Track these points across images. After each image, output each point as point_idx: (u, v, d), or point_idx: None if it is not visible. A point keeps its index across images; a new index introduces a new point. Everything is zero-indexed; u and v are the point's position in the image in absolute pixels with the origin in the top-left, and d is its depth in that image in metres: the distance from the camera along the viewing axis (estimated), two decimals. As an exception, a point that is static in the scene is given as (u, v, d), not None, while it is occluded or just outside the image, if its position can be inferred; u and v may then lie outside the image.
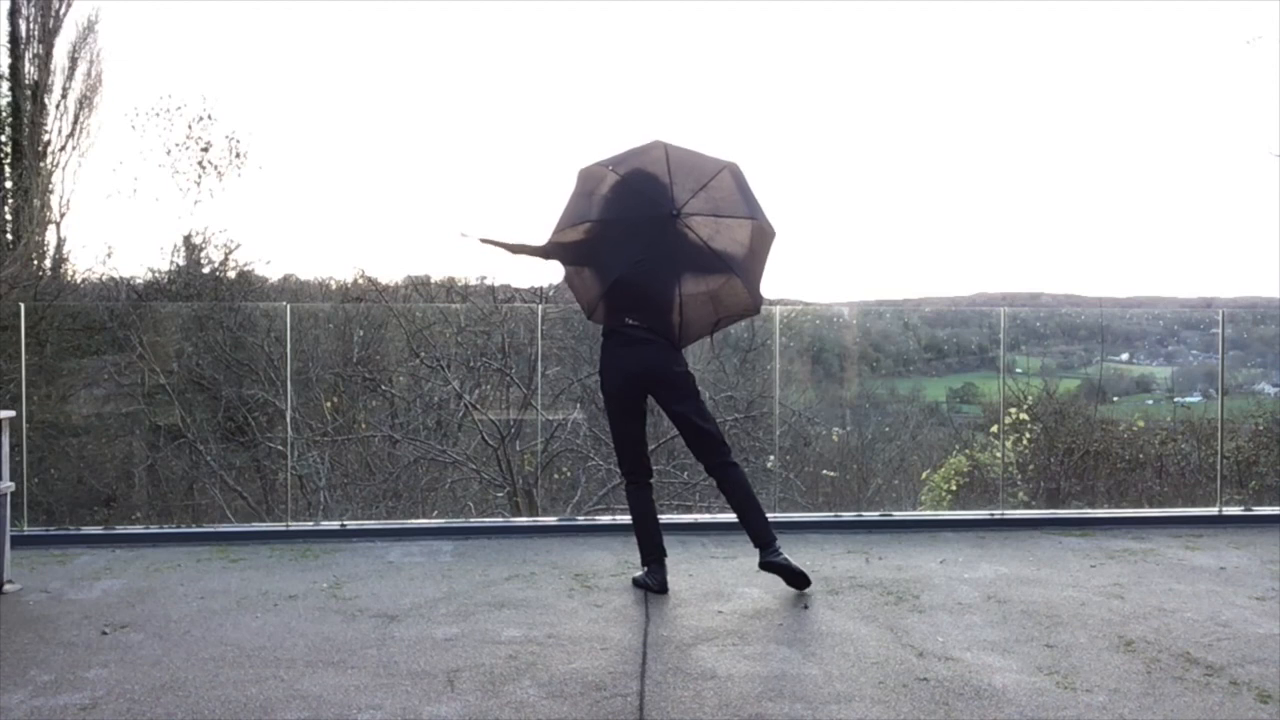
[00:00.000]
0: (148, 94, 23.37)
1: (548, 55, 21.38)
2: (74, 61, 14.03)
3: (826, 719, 2.76)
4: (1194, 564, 4.56)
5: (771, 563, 3.99)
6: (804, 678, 3.07)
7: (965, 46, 22.96)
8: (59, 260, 13.30)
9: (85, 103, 14.04)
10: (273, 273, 13.26)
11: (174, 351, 8.14)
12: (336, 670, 3.14)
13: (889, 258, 18.61)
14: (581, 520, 5.64)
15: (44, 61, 13.77)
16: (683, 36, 21.88)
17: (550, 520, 5.67)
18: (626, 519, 4.72)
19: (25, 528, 5.35)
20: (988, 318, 7.78)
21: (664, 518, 4.28)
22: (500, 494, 7.39)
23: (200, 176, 13.42)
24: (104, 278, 12.24)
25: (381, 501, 7.62)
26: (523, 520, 5.97)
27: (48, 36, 13.90)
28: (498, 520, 5.93)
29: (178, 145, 13.38)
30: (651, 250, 3.94)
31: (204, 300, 11.01)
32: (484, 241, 4.15)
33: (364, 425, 8.27)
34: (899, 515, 5.79)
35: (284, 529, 5.28)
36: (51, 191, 13.43)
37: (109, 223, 21.32)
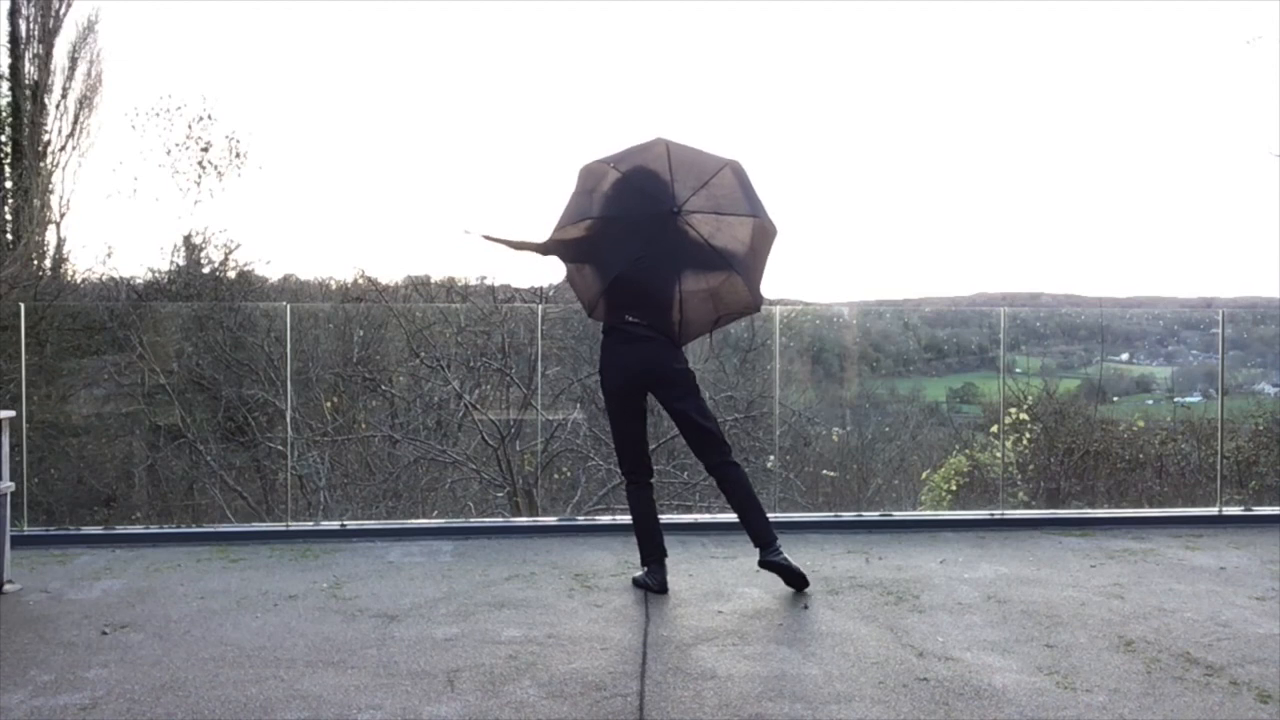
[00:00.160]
0: (148, 94, 23.37)
1: (548, 54, 21.39)
2: (74, 61, 14.04)
3: (826, 719, 2.76)
4: (1194, 564, 4.56)
5: (771, 562, 3.99)
6: (804, 678, 3.07)
7: (965, 46, 22.96)
8: (59, 260, 13.30)
9: (85, 103, 14.05)
10: (273, 273, 13.29)
11: (174, 351, 8.14)
12: (336, 670, 3.14)
13: (889, 258, 18.62)
14: (581, 520, 5.64)
15: (44, 61, 13.77)
16: (683, 35, 21.89)
17: (550, 520, 5.67)
18: (626, 519, 4.72)
19: (25, 528, 5.35)
20: (988, 318, 7.78)
21: (664, 518, 4.27)
22: (500, 494, 7.39)
23: (200, 176, 13.44)
24: (104, 278, 12.26)
25: (381, 501, 7.62)
26: (523, 520, 5.97)
27: (48, 36, 13.90)
28: (498, 520, 5.93)
29: (178, 145, 13.40)
30: (652, 247, 3.94)
31: (204, 300, 11.02)
32: (486, 239, 4.16)
33: (364, 425, 8.27)
34: (899, 515, 5.79)
35: (284, 529, 5.28)
36: (51, 191, 13.44)
37: (109, 223, 21.35)
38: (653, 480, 4.23)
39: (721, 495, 4.21)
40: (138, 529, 5.60)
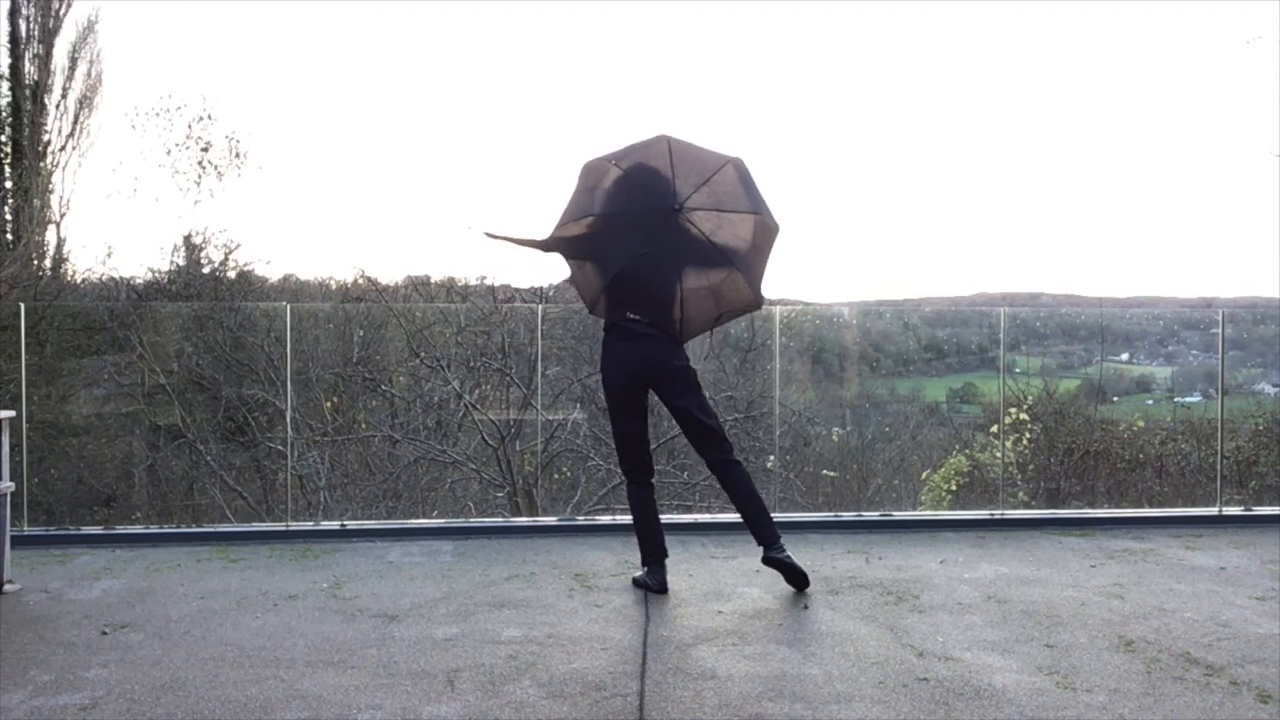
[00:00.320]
0: (148, 94, 23.38)
1: (548, 53, 21.39)
2: (74, 61, 14.04)
3: (826, 719, 2.76)
4: (1194, 564, 4.56)
5: (774, 559, 3.99)
6: (804, 678, 3.07)
7: (965, 46, 22.96)
8: (59, 260, 13.30)
9: (85, 103, 14.05)
10: (273, 273, 13.29)
11: (174, 351, 8.14)
12: (336, 670, 3.14)
13: (889, 258, 18.62)
14: (581, 520, 5.64)
15: (44, 61, 13.77)
16: (684, 35, 21.89)
17: (550, 520, 5.67)
18: (626, 519, 4.72)
19: (25, 528, 5.35)
20: (988, 318, 7.78)
21: (664, 518, 4.27)
22: (500, 494, 7.39)
23: (200, 176, 13.44)
24: (104, 278, 12.26)
25: (381, 501, 7.62)
26: (523, 520, 5.97)
27: (48, 36, 13.90)
28: (498, 520, 5.93)
29: (178, 145, 13.41)
30: (653, 244, 3.94)
31: (204, 300, 11.02)
32: (489, 236, 4.16)
33: (364, 425, 8.27)
34: (899, 515, 5.79)
35: (284, 529, 5.28)
36: (51, 191, 13.44)
37: (109, 223, 21.35)
38: (653, 480, 4.22)
39: (722, 495, 4.22)
40: (138, 529, 5.60)
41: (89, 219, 19.16)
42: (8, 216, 12.81)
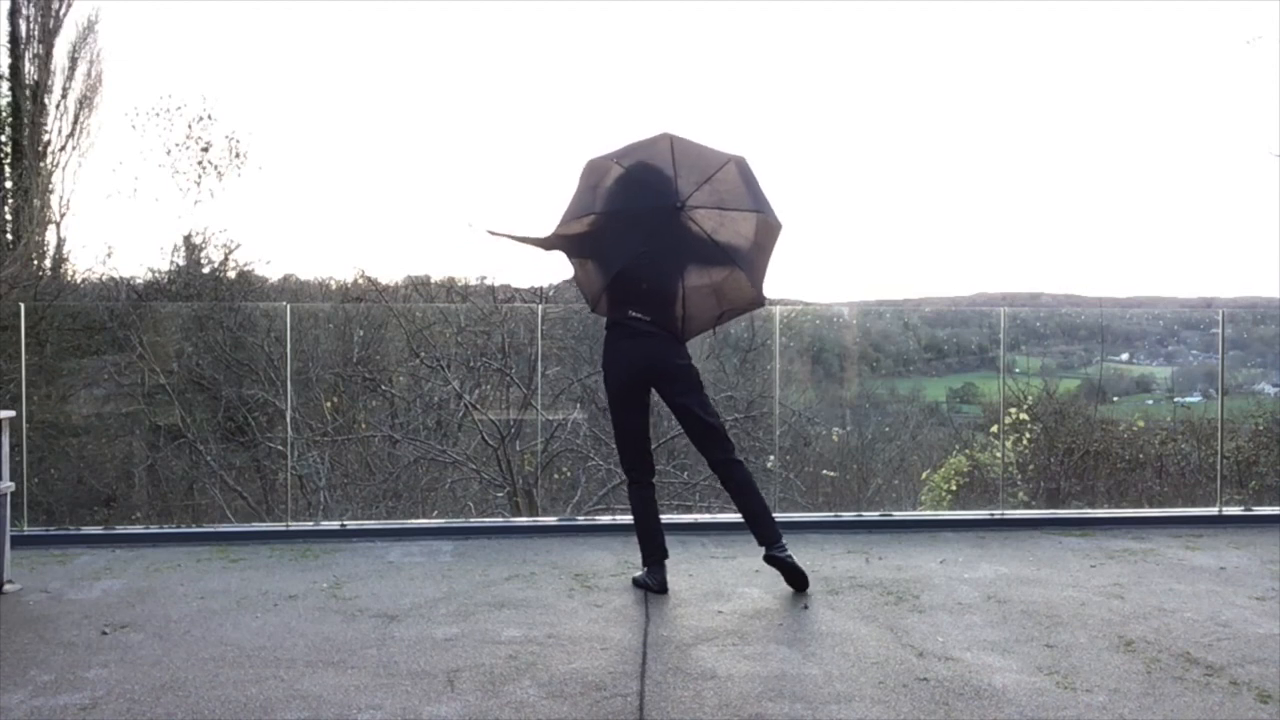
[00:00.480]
0: (148, 94, 23.38)
1: (549, 53, 21.39)
2: (74, 61, 14.04)
3: (826, 719, 2.76)
4: (1194, 564, 4.56)
5: (775, 557, 3.99)
6: (804, 678, 3.07)
7: (965, 46, 22.96)
8: (59, 260, 13.30)
9: (85, 103, 14.05)
10: (273, 273, 13.29)
11: (174, 351, 8.14)
12: (336, 670, 3.14)
13: (889, 258, 18.61)
14: (581, 520, 5.64)
15: (44, 61, 13.78)
16: (685, 33, 21.89)
17: (550, 520, 5.67)
18: (626, 519, 4.72)
19: (25, 528, 5.35)
20: (988, 318, 7.77)
21: (664, 518, 4.27)
22: (500, 494, 7.39)
23: (200, 176, 13.45)
24: (104, 278, 12.26)
25: (381, 501, 7.62)
26: (523, 520, 5.97)
27: (48, 36, 13.90)
28: (498, 520, 5.93)
29: (178, 145, 13.41)
30: (654, 242, 3.94)
31: (204, 300, 11.01)
32: (491, 233, 4.15)
33: (364, 425, 8.27)
34: (899, 515, 5.79)
35: (284, 529, 5.28)
36: (51, 191, 13.44)
37: (109, 223, 21.34)
38: (654, 480, 4.22)
39: (722, 495, 4.22)
40: (138, 529, 5.60)
41: (89, 219, 19.18)
42: (8, 216, 12.81)
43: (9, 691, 2.97)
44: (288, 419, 6.91)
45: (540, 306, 7.49)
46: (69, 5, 14.06)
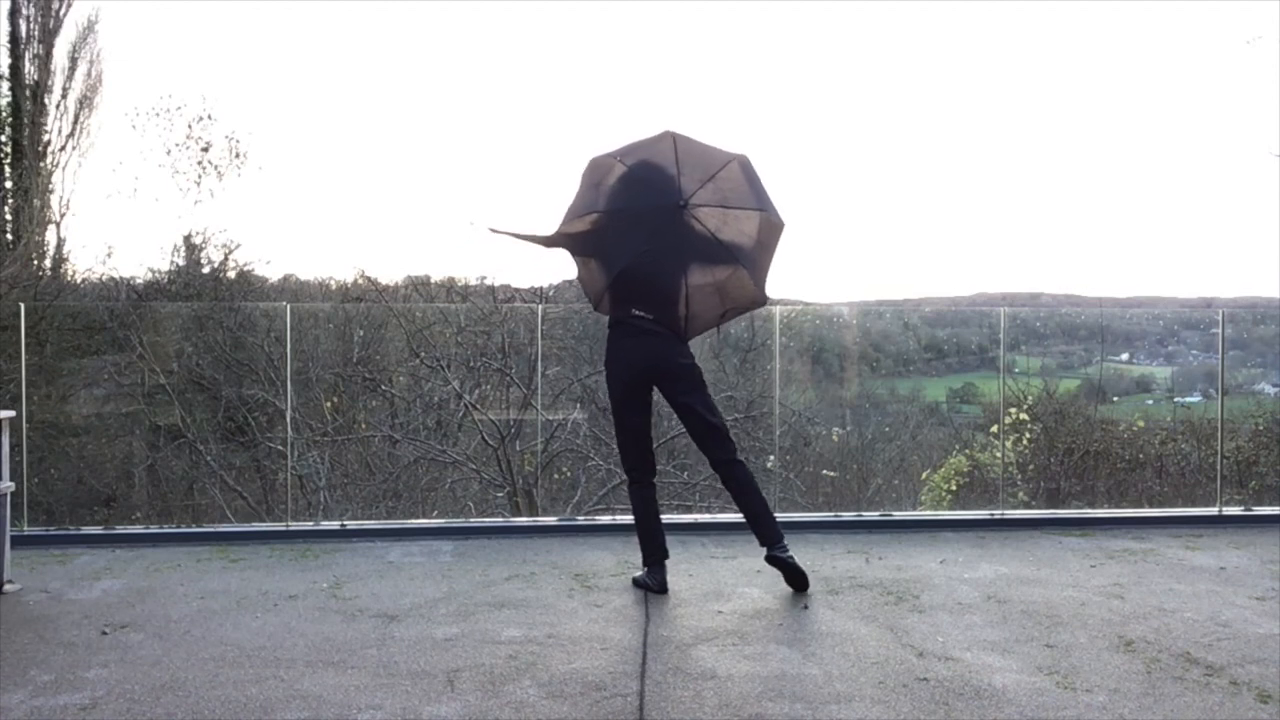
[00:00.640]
0: (148, 94, 23.36)
1: (549, 52, 21.39)
2: (74, 61, 14.04)
3: (826, 719, 2.76)
4: (1194, 564, 4.56)
5: (776, 558, 3.99)
6: (804, 678, 3.06)
7: (965, 46, 22.96)
8: (59, 260, 13.30)
9: (85, 103, 14.05)
10: (273, 273, 13.29)
11: (174, 351, 8.14)
12: (336, 670, 3.14)
13: (889, 258, 18.60)
14: (581, 520, 5.64)
15: (44, 61, 13.78)
16: (685, 33, 21.89)
17: (550, 520, 5.67)
18: (627, 519, 4.72)
19: (25, 528, 5.35)
20: (988, 318, 7.77)
21: (664, 518, 4.27)
22: (500, 494, 7.39)
23: (200, 176, 13.44)
24: (104, 278, 12.25)
25: (381, 501, 7.62)
26: (523, 520, 5.97)
27: (48, 36, 13.90)
28: (498, 520, 5.93)
29: (178, 145, 13.40)
30: (657, 241, 3.94)
31: (204, 300, 11.01)
32: (493, 231, 4.15)
33: (364, 425, 8.27)
34: (899, 515, 5.79)
35: (284, 529, 5.28)
36: (51, 191, 13.44)
37: (109, 223, 21.32)
38: (655, 480, 4.22)
39: (722, 495, 4.22)
40: (138, 529, 5.60)
41: (89, 219, 19.16)
42: (8, 216, 12.81)
43: (9, 691, 2.97)
44: (288, 419, 6.91)
45: (540, 306, 7.49)
46: (69, 5, 14.08)
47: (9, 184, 12.96)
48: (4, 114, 13.32)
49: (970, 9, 21.93)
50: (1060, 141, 22.97)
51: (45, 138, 13.61)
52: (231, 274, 12.90)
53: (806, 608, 3.83)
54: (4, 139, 13.29)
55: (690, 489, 7.75)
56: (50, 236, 13.37)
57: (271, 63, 21.59)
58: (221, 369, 8.21)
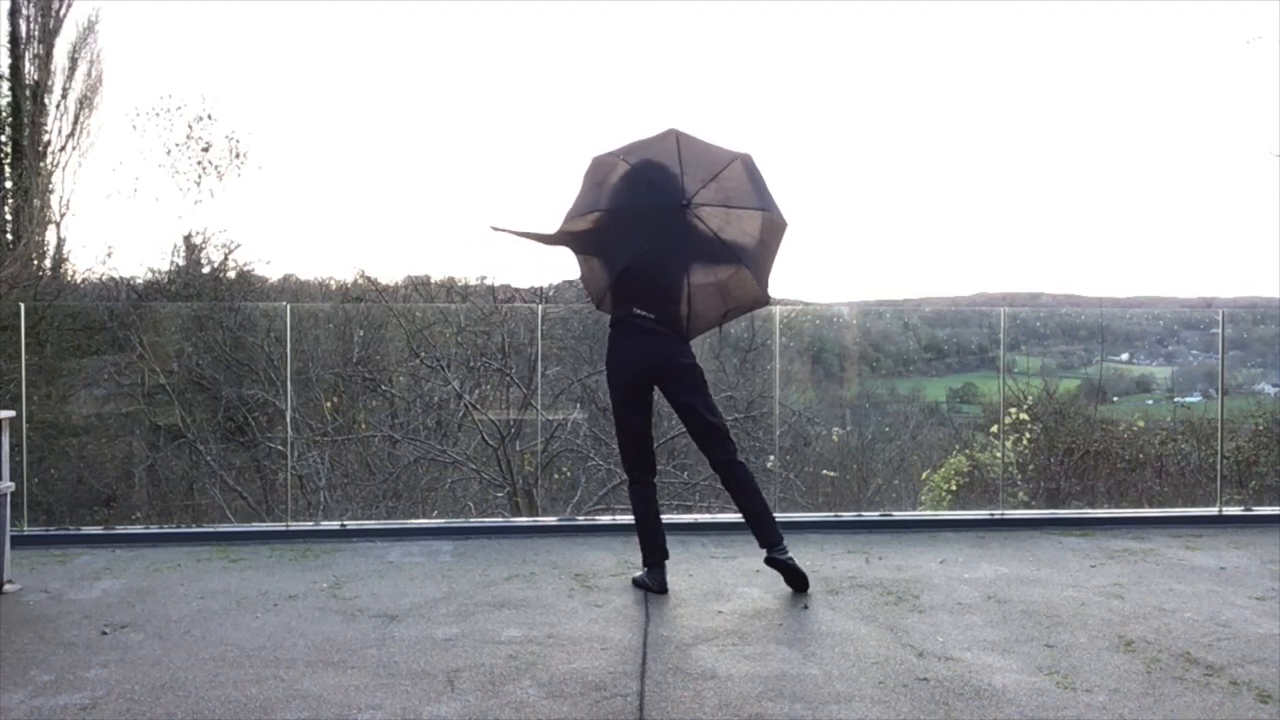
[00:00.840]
0: (148, 94, 23.37)
1: (550, 52, 21.39)
2: (74, 61, 14.04)
3: (826, 719, 2.76)
4: (1194, 564, 4.56)
5: (775, 559, 3.99)
6: (804, 678, 3.06)
7: (965, 46, 22.96)
8: (59, 260, 13.30)
9: (85, 103, 14.05)
10: (273, 273, 13.29)
11: (174, 351, 8.14)
12: (336, 670, 3.14)
13: (889, 258, 18.60)
14: (581, 520, 5.64)
15: (44, 61, 13.78)
16: (687, 33, 21.89)
17: (550, 520, 5.67)
18: (627, 519, 4.72)
19: (25, 528, 5.35)
20: (988, 318, 7.78)
21: (664, 518, 4.26)
22: (500, 494, 7.39)
23: (200, 176, 13.45)
24: (104, 278, 12.25)
25: (381, 501, 7.62)
26: (523, 520, 5.97)
27: (48, 36, 13.90)
28: (498, 520, 5.93)
29: (178, 145, 13.41)
30: (660, 240, 3.94)
31: (204, 300, 11.01)
32: (495, 229, 4.14)
33: (364, 425, 8.27)
34: (899, 515, 5.79)
35: (284, 529, 5.28)
36: (51, 191, 13.44)
37: (109, 223, 21.32)
38: (655, 480, 4.22)
39: (722, 495, 4.21)
40: (138, 529, 5.60)
41: (89, 219, 19.16)
42: (8, 216, 12.80)
43: (9, 691, 2.97)
44: (288, 419, 6.91)
45: (540, 306, 7.49)
46: (69, 5, 14.08)
47: (9, 184, 12.96)
48: (4, 114, 13.33)
49: (970, 9, 21.94)
50: (1060, 141, 22.98)
51: (45, 138, 13.61)
52: (231, 274, 12.90)
53: (806, 608, 3.83)
54: (4, 139, 13.29)
55: (690, 489, 7.75)
56: (50, 236, 13.38)
57: (271, 63, 21.61)
58: (221, 369, 8.21)
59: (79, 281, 12.57)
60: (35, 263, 12.32)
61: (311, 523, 5.74)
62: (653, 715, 2.79)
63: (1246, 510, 5.76)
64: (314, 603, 3.91)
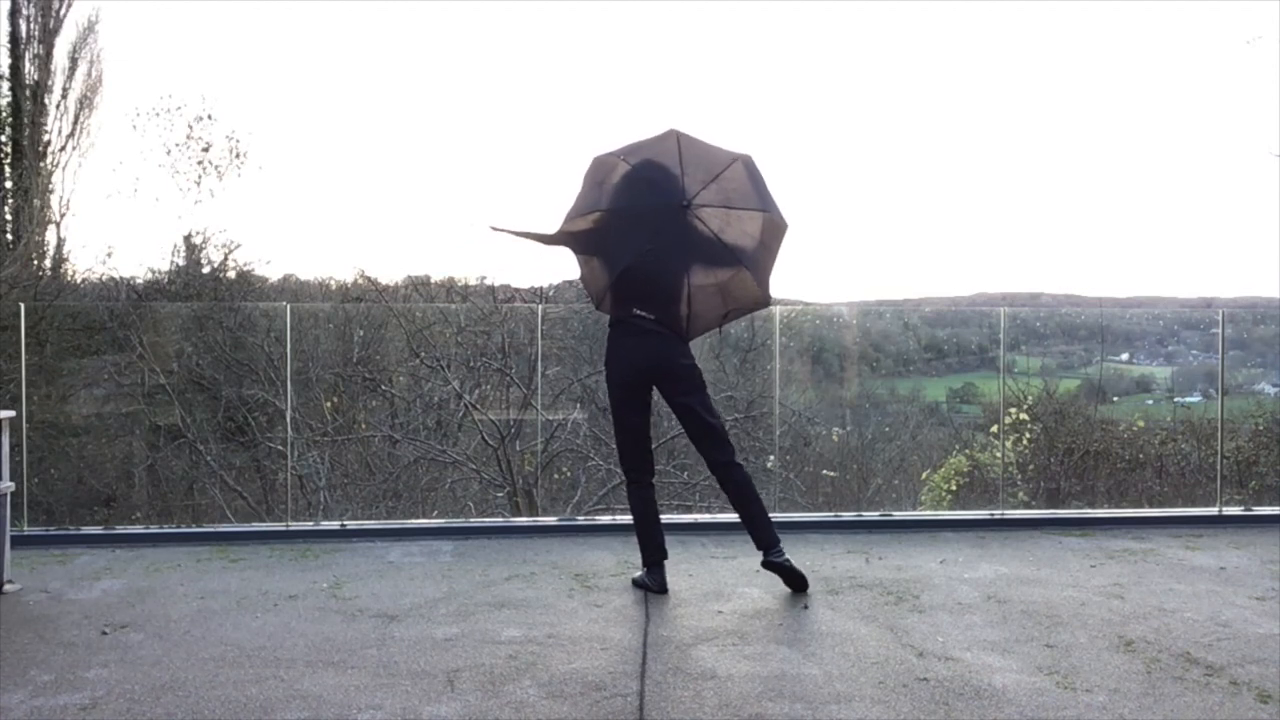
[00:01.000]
0: (148, 94, 23.39)
1: (550, 52, 21.39)
2: (74, 61, 14.05)
3: (826, 719, 2.76)
4: (1194, 564, 4.56)
5: (773, 563, 3.99)
6: (804, 678, 3.06)
7: (965, 46, 22.96)
8: (59, 260, 13.31)
9: (85, 103, 14.06)
10: (273, 273, 13.30)
11: (174, 351, 8.14)
12: (336, 670, 3.14)
13: (889, 258, 18.60)
14: (581, 520, 5.64)
15: (44, 61, 13.78)
16: (688, 33, 21.89)
17: (550, 520, 5.67)
18: (627, 519, 4.71)
19: (25, 528, 5.35)
20: (988, 318, 7.78)
21: (664, 518, 4.26)
22: (500, 494, 7.39)
23: (200, 176, 13.46)
24: (104, 278, 12.26)
25: (381, 501, 7.62)
26: (523, 520, 5.97)
27: (48, 36, 13.91)
28: (498, 520, 5.93)
29: (178, 145, 13.42)
30: (660, 240, 3.93)
31: (204, 300, 11.01)
32: (494, 229, 4.14)
33: (364, 425, 8.27)
34: (899, 515, 5.79)
35: (284, 529, 5.28)
36: (51, 191, 13.45)
37: (109, 223, 21.31)
38: (654, 480, 4.22)
39: (722, 495, 4.20)
40: (138, 529, 5.60)
41: (89, 219, 19.17)
42: (8, 216, 12.81)
43: (9, 691, 2.97)
44: (288, 419, 6.92)
45: (540, 306, 7.49)
46: (69, 5, 14.09)
47: (9, 184, 12.96)
48: (4, 114, 13.33)
49: (970, 9, 21.94)
50: (1060, 141, 22.98)
51: (45, 138, 13.61)
52: (231, 274, 12.90)
53: (806, 608, 3.83)
54: (4, 139, 13.29)
55: (690, 489, 7.75)
56: (50, 236, 13.39)
57: (271, 63, 21.61)
58: (221, 369, 8.21)
59: (79, 281, 12.58)
60: (35, 263, 12.32)
61: (311, 523, 5.74)
62: (653, 715, 2.79)
63: (1246, 510, 5.76)
64: (314, 603, 3.91)
